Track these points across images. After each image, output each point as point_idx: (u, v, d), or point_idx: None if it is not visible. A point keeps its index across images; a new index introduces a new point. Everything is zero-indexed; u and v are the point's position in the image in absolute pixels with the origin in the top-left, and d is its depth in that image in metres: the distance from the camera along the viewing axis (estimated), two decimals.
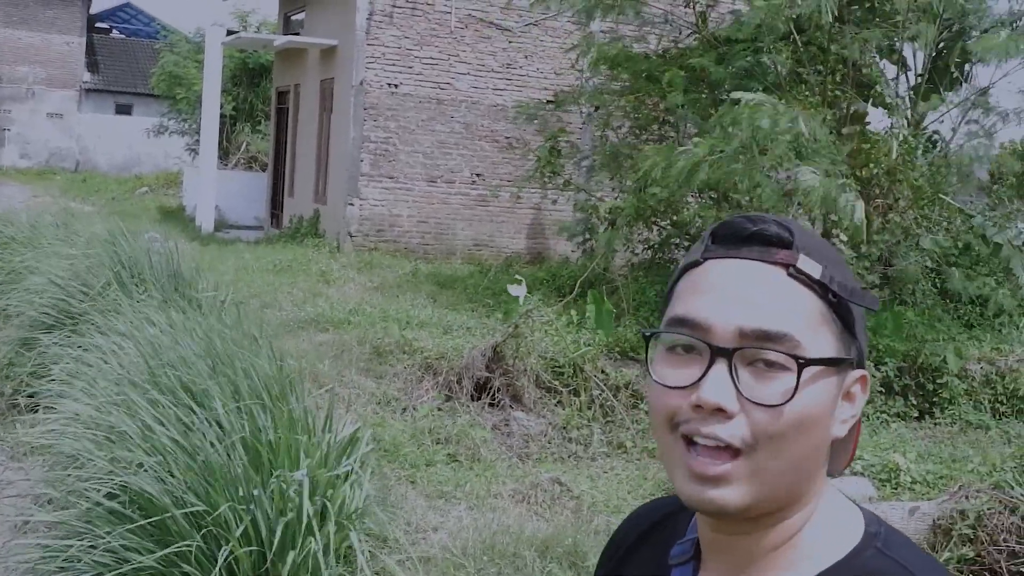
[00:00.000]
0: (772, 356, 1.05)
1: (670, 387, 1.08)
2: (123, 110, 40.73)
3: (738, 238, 1.11)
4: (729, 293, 1.08)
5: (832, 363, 1.08)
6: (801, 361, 1.05)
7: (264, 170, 24.42)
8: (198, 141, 23.54)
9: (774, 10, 9.24)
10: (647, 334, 1.13)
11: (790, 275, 1.08)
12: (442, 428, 7.60)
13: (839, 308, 1.10)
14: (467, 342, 9.01)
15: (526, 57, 17.71)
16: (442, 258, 16.62)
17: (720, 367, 1.05)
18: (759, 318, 1.06)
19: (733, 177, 8.75)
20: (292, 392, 4.91)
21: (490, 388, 8.28)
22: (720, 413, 1.04)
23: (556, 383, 8.42)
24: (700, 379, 1.06)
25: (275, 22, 26.10)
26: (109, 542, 3.93)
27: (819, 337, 1.07)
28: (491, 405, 8.19)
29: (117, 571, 3.94)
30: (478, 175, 17.41)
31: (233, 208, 21.79)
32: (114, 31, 45.21)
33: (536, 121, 13.39)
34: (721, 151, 8.80)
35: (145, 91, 38.22)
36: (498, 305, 10.80)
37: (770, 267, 1.09)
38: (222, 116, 23.34)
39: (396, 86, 17.00)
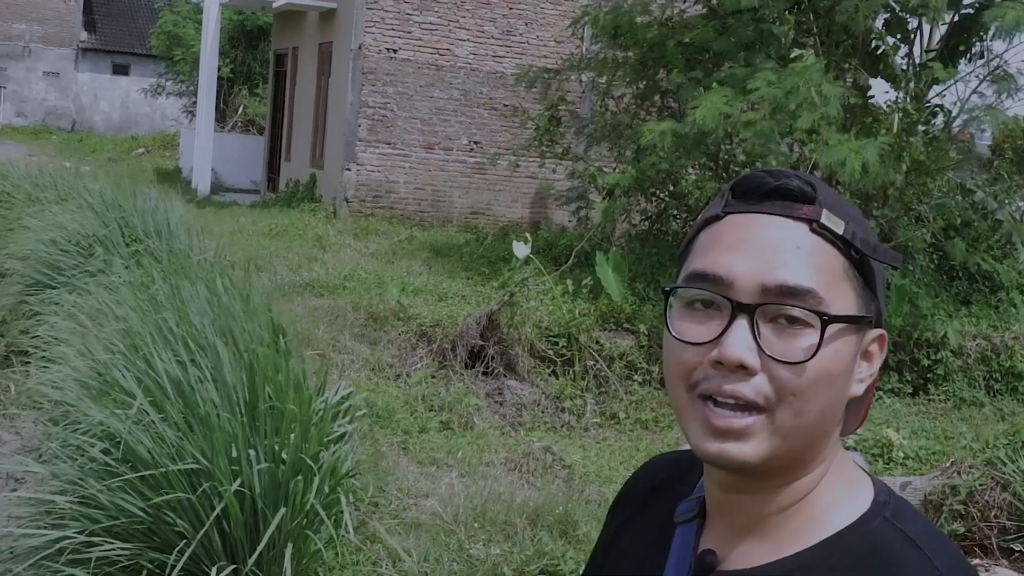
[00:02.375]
0: (795, 312, 1.03)
1: (689, 343, 1.06)
2: (120, 70, 40.47)
3: (759, 193, 1.09)
4: (751, 248, 1.05)
5: (854, 320, 1.06)
6: (825, 318, 1.03)
7: (261, 133, 24.30)
8: (195, 103, 23.42)
9: None
10: (667, 288, 1.10)
11: (813, 231, 1.06)
12: (435, 395, 7.60)
13: (861, 265, 1.08)
14: (462, 310, 8.99)
15: (526, 24, 17.58)
16: (439, 225, 16.56)
17: (742, 323, 1.03)
18: (782, 274, 1.04)
19: (760, 135, 8.68)
20: (287, 356, 4.88)
21: (484, 356, 8.27)
22: (741, 370, 1.03)
23: (550, 352, 8.42)
24: (721, 335, 1.04)
25: None
26: (98, 497, 3.92)
27: (841, 294, 1.06)
28: (485, 373, 8.19)
29: (106, 525, 3.93)
30: (476, 143, 17.33)
31: (229, 171, 21.71)
32: None
33: (536, 88, 13.29)
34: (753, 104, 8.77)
35: (143, 51, 38.01)
36: (494, 274, 10.77)
37: (793, 222, 1.06)
38: (220, 78, 23.19)
39: (395, 51, 16.88)
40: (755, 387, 1.03)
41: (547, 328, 8.56)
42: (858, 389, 1.10)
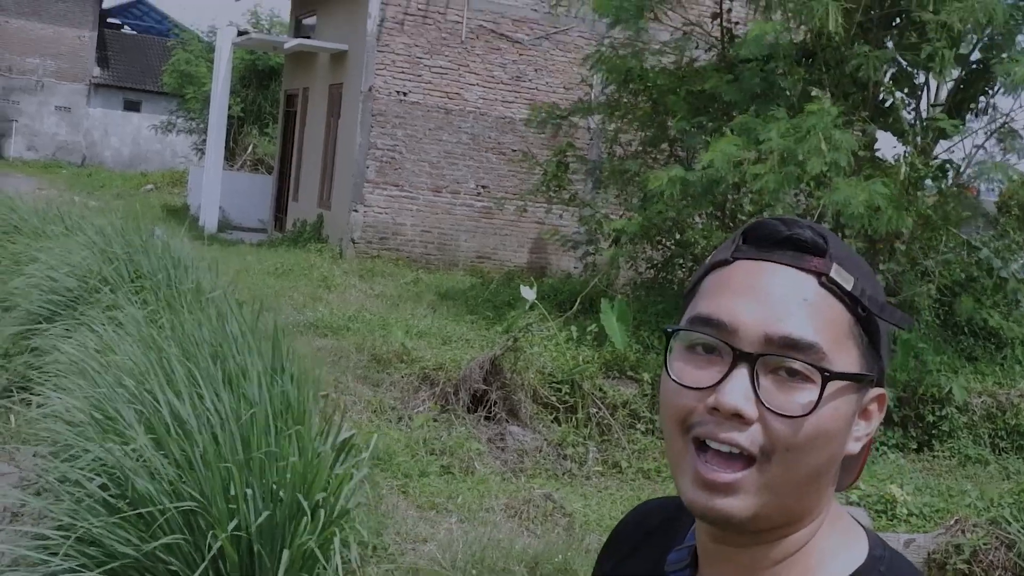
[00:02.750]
0: (796, 366, 1.01)
1: (687, 387, 1.04)
2: (132, 106, 40.74)
3: (771, 240, 1.07)
4: (758, 296, 1.04)
5: (855, 379, 1.04)
6: (826, 374, 1.01)
7: (270, 173, 24.41)
8: (205, 141, 23.55)
9: (779, 28, 9.23)
10: (669, 330, 1.09)
11: (821, 284, 1.04)
12: (437, 439, 7.56)
13: (867, 323, 1.06)
14: (466, 354, 8.97)
15: (536, 70, 17.70)
16: (444, 268, 16.57)
17: (742, 371, 1.01)
18: (787, 326, 1.02)
19: (769, 187, 8.71)
20: (291, 395, 4.86)
21: (487, 401, 8.23)
22: (737, 419, 1.01)
23: (553, 399, 8.38)
24: (720, 381, 1.02)
25: (286, 24, 26.15)
26: (92, 531, 3.88)
27: (845, 350, 1.04)
28: (487, 418, 8.14)
29: (101, 561, 3.89)
30: (483, 187, 17.38)
31: (237, 209, 21.77)
32: (125, 27, 45.28)
33: (546, 130, 13.31)
34: (761, 153, 8.80)
35: (154, 88, 38.26)
36: (498, 318, 10.76)
37: (802, 274, 1.05)
38: (230, 117, 23.34)
39: (405, 94, 16.99)
40: (750, 436, 1.01)
41: (550, 374, 8.53)
42: (854, 447, 1.08)
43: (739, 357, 1.02)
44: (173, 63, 31.16)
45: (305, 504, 4.23)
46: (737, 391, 1.01)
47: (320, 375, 8.02)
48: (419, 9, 17.02)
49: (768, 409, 1.01)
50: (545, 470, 7.69)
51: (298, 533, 4.20)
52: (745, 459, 1.01)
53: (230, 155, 25.77)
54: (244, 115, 27.44)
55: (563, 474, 7.68)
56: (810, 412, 1.00)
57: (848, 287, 1.05)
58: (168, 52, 33.59)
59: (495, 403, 8.21)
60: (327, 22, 19.49)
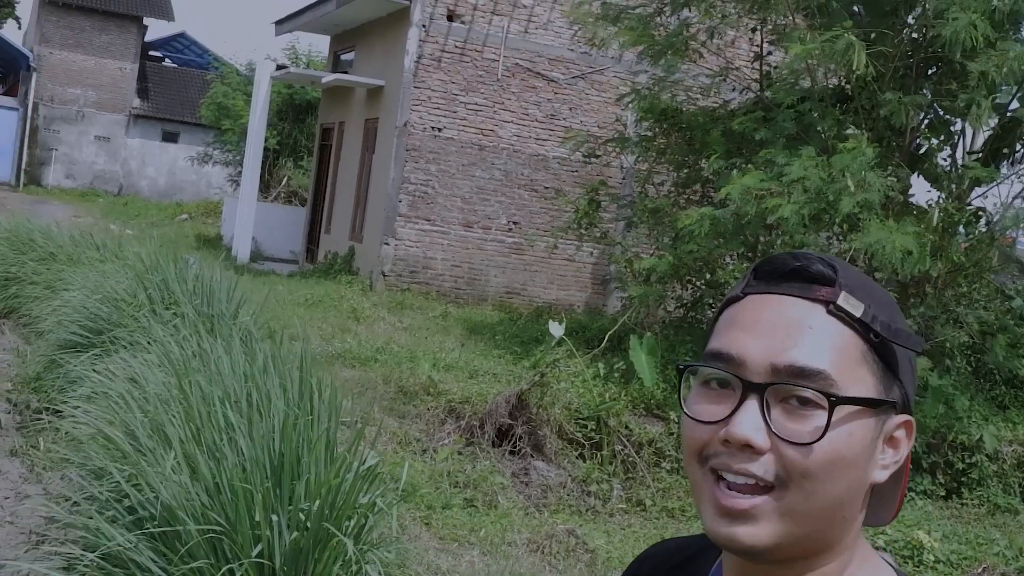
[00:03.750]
0: (805, 393, 1.02)
1: (701, 421, 1.06)
2: (169, 137, 41.26)
3: (779, 274, 1.09)
4: (764, 328, 1.05)
5: (868, 403, 1.04)
6: (833, 399, 1.02)
7: (303, 205, 24.60)
8: (240, 172, 23.79)
9: (805, 54, 9.24)
10: (682, 367, 1.11)
11: (830, 312, 1.05)
12: (461, 472, 7.56)
13: (881, 349, 1.06)
14: (492, 388, 8.98)
15: (571, 109, 17.82)
16: (473, 303, 16.62)
17: (752, 403, 1.03)
18: (793, 354, 1.03)
19: (785, 213, 8.70)
20: (319, 423, 4.89)
21: (512, 435, 8.23)
22: (749, 449, 1.02)
23: (579, 435, 8.37)
24: (731, 414, 1.03)
25: (322, 60, 26.45)
26: (118, 551, 3.91)
27: (857, 377, 1.04)
28: (512, 452, 8.14)
29: None
30: (515, 223, 17.46)
31: (270, 240, 21.96)
32: (167, 60, 45.95)
33: (581, 150, 13.36)
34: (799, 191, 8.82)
35: (192, 120, 38.77)
36: (526, 353, 10.76)
37: (810, 303, 1.06)
38: (266, 149, 23.58)
39: (440, 130, 17.13)
40: (763, 466, 1.02)
41: (576, 410, 8.53)
42: (880, 475, 1.08)
43: (748, 388, 1.03)
44: (211, 96, 31.56)
45: (331, 531, 4.25)
46: (747, 422, 1.02)
47: (346, 405, 8.07)
48: (456, 47, 17.20)
49: (779, 437, 1.02)
50: (569, 506, 7.66)
51: (322, 560, 4.21)
52: (762, 488, 1.02)
53: (264, 187, 26.01)
54: (280, 148, 27.73)
55: (587, 510, 7.65)
56: (820, 438, 1.01)
57: (857, 314, 1.05)
58: (207, 85, 34.03)
59: (520, 438, 8.20)
60: (365, 58, 19.72)
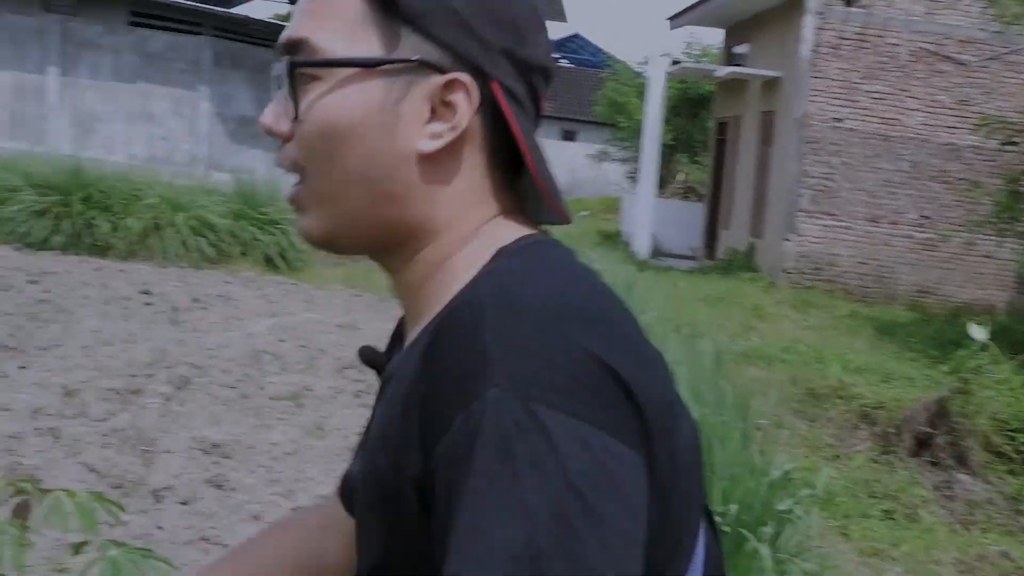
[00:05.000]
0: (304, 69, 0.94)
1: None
2: (568, 136, 42.86)
3: None
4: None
5: (340, 64, 0.92)
6: (292, 65, 0.93)
7: (699, 200, 24.67)
8: (637, 169, 24.26)
9: None
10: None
11: None
12: (877, 481, 7.27)
13: (388, 3, 0.93)
14: (908, 393, 8.56)
15: (984, 94, 16.57)
16: (882, 302, 15.92)
17: (280, 92, 0.97)
18: (286, 32, 0.96)
19: None
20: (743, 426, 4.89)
21: (932, 445, 7.80)
22: (280, 138, 0.96)
23: (1008, 448, 7.78)
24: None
25: (715, 52, 26.34)
26: None
27: (356, 39, 0.93)
28: (932, 464, 7.71)
29: None
30: (926, 217, 16.51)
31: (668, 236, 22.20)
32: (563, 60, 47.73)
33: (999, 141, 12.42)
34: None
35: (588, 118, 40.00)
36: (943, 357, 10.16)
37: None
38: (662, 145, 23.89)
39: (840, 120, 16.55)
40: (286, 153, 0.96)
41: (1005, 421, 7.93)
42: (427, 145, 0.93)
43: (275, 80, 0.98)
44: (604, 93, 32.38)
45: (746, 536, 4.22)
46: (268, 110, 0.97)
47: (757, 405, 8.01)
48: (855, 33, 16.55)
49: (288, 118, 0.96)
50: (998, 525, 7.15)
51: (739, 567, 4.19)
52: (299, 173, 0.97)
53: (661, 183, 26.35)
54: (675, 143, 27.96)
55: (1020, 531, 7.10)
56: (296, 111, 0.93)
57: None
58: (600, 83, 34.98)
59: (941, 448, 7.76)
60: (759, 49, 19.45)
